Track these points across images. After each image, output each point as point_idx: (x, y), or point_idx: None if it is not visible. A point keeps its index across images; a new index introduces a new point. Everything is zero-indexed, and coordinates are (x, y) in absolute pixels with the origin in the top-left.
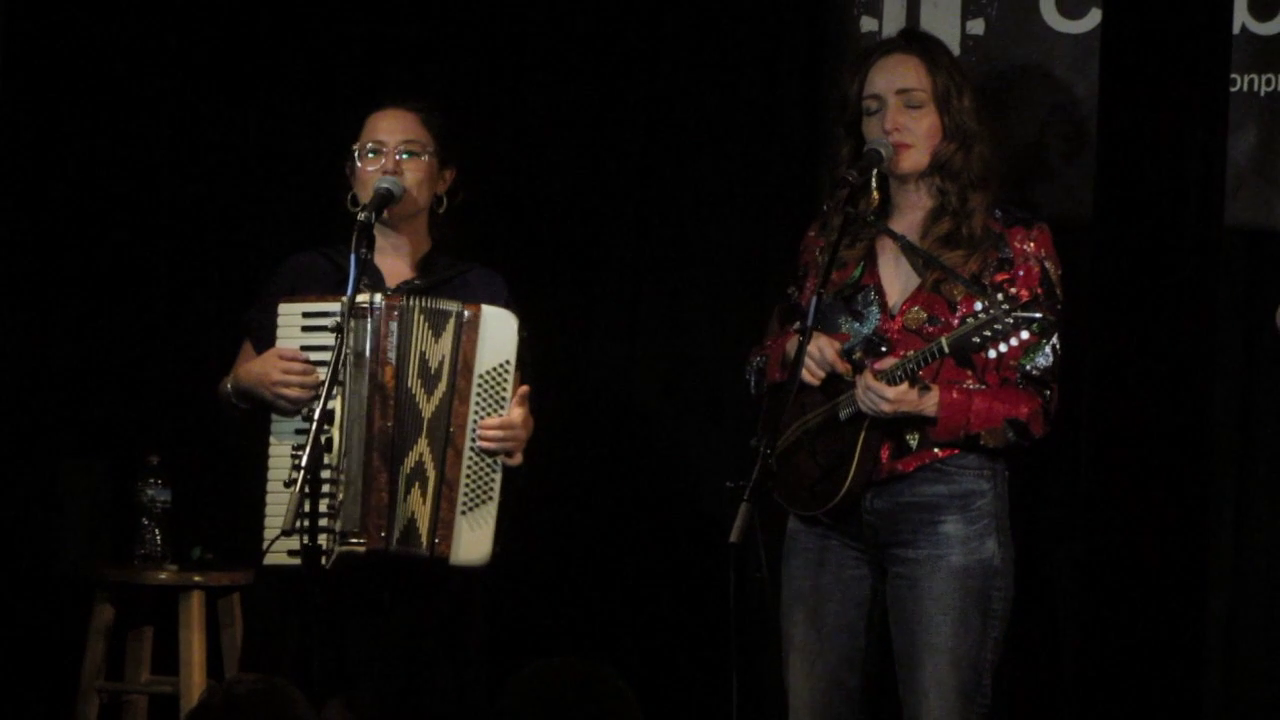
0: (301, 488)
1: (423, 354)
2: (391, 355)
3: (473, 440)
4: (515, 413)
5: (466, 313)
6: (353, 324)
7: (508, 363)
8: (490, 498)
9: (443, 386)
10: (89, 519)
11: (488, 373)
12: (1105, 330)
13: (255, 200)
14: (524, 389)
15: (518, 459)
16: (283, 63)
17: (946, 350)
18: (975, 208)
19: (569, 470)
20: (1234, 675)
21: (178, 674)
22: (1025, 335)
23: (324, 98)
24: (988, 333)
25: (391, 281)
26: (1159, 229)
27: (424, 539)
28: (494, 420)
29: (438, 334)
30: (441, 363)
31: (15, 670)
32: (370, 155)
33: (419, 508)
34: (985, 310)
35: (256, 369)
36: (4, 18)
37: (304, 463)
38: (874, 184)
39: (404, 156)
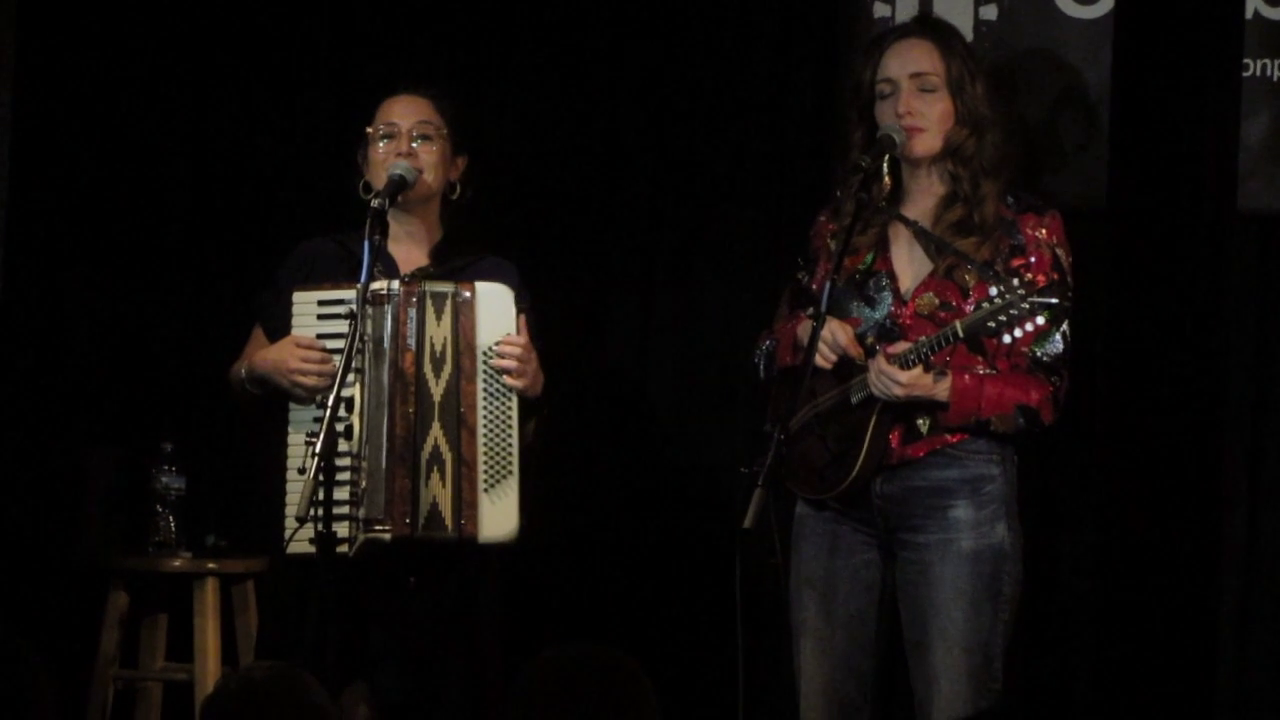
0: (315, 475)
1: (430, 338)
2: (411, 342)
3: (484, 417)
4: (521, 336)
5: (462, 291)
6: (370, 311)
7: (509, 336)
8: (510, 472)
9: (449, 368)
10: (103, 507)
11: (490, 349)
12: (1119, 315)
13: (269, 186)
14: (522, 318)
15: (523, 383)
16: (297, 49)
17: (961, 335)
18: (987, 194)
19: (582, 456)
20: (1247, 658)
21: (192, 661)
22: (1040, 321)
23: (338, 84)
24: (1003, 318)
25: (405, 269)
26: (1172, 214)
27: (448, 521)
28: (505, 339)
29: (438, 316)
30: (445, 345)
31: None
32: (384, 139)
33: (440, 491)
34: (1001, 295)
35: (273, 356)
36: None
37: (318, 450)
38: (886, 170)
39: (418, 140)
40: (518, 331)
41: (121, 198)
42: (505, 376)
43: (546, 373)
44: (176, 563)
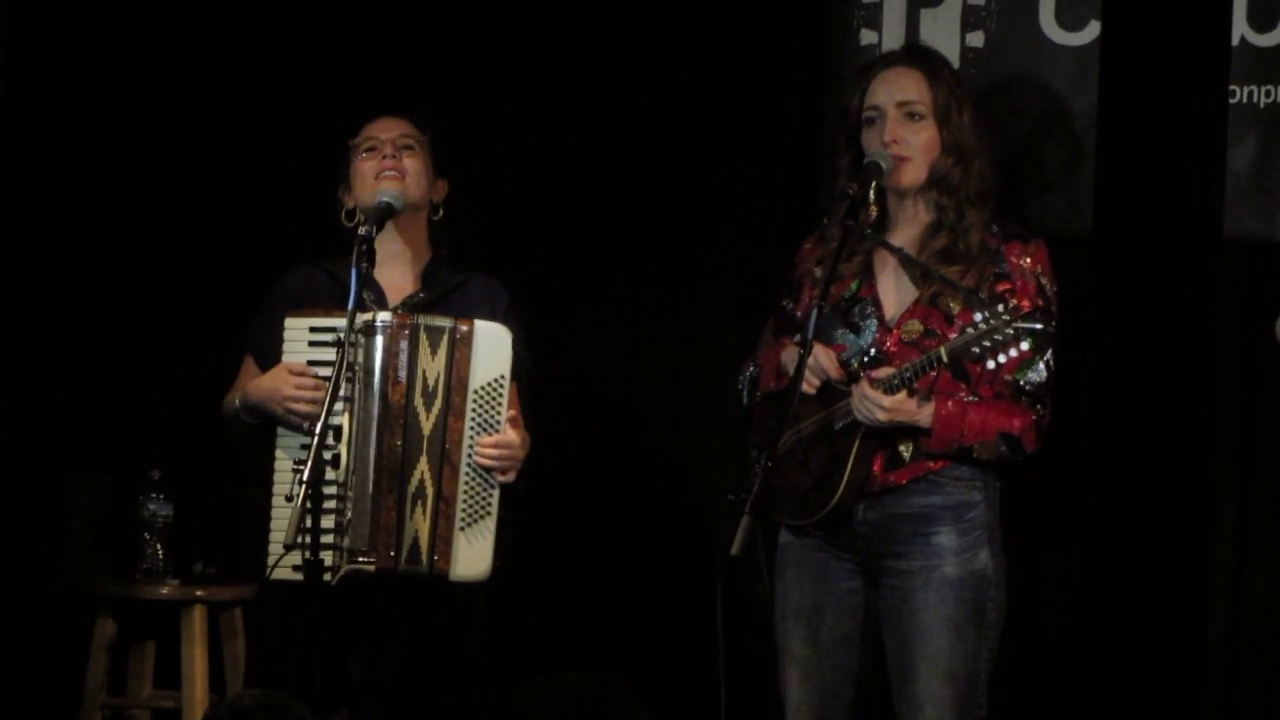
0: (303, 503)
1: (423, 371)
2: (403, 374)
3: (469, 456)
4: (510, 433)
5: (460, 329)
6: (361, 340)
7: (502, 378)
8: (488, 513)
9: (439, 403)
10: (91, 534)
11: (482, 388)
12: (1106, 342)
13: (256, 214)
14: (513, 413)
15: (511, 477)
16: (283, 77)
17: (945, 360)
18: (973, 223)
19: (569, 481)
20: (1236, 686)
21: (180, 689)
22: (1025, 346)
23: (323, 111)
24: (987, 343)
25: (392, 295)
26: (1159, 240)
27: (424, 556)
28: (490, 439)
29: (433, 350)
30: (437, 379)
31: (18, 685)
32: (367, 152)
33: (421, 525)
34: (985, 320)
35: (267, 384)
36: (5, 32)
37: (305, 477)
38: (872, 197)
39: (401, 151)
40: (510, 369)
41: (107, 223)
42: (495, 474)
43: (532, 395)
44: (164, 590)
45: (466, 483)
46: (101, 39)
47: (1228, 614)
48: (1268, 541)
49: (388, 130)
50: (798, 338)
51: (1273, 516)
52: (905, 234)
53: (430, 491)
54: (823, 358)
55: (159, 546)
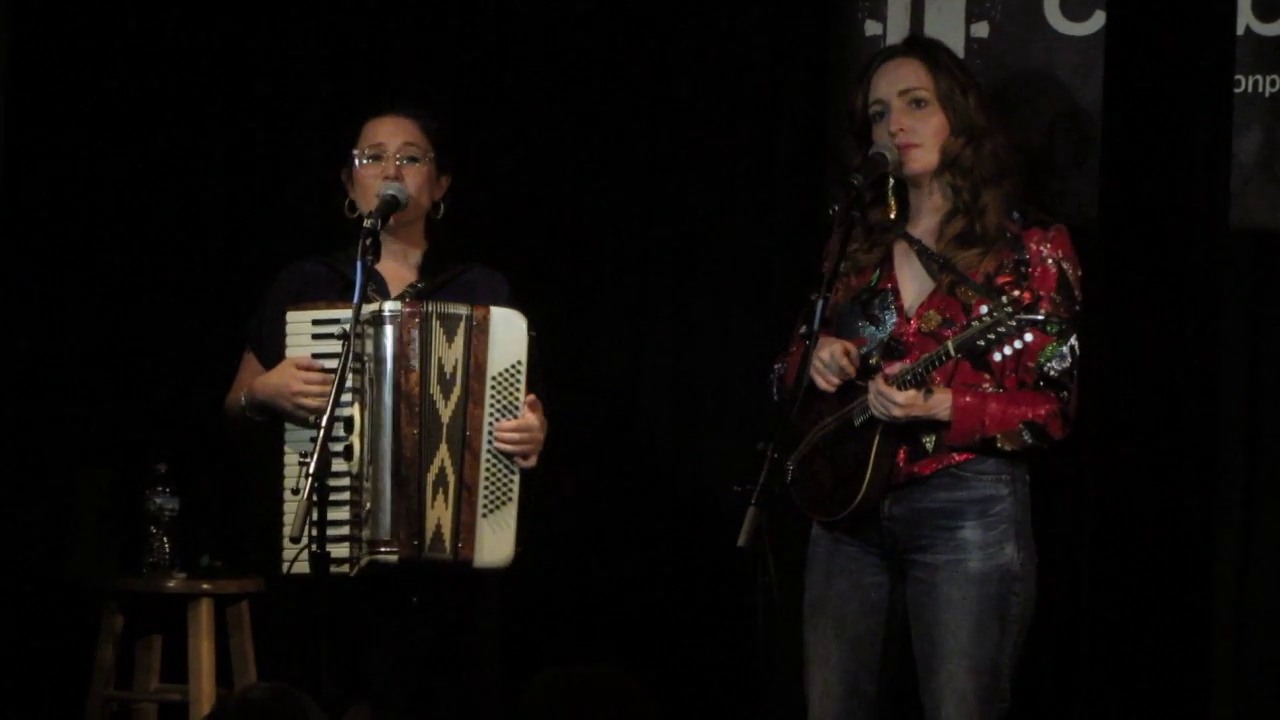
0: (309, 496)
1: (440, 359)
2: (415, 362)
3: (489, 442)
4: (530, 416)
5: (476, 315)
6: (370, 331)
7: (519, 363)
8: (510, 499)
9: (457, 390)
10: (98, 528)
11: (500, 374)
12: (1111, 332)
13: (259, 208)
14: (531, 397)
15: (532, 461)
16: (283, 71)
17: (953, 353)
18: (988, 204)
19: (576, 474)
20: (1242, 672)
21: (187, 682)
22: (1029, 337)
23: (325, 105)
24: (992, 335)
25: (394, 286)
26: (1164, 230)
27: (447, 543)
28: (511, 423)
29: (450, 338)
30: (455, 366)
31: (25, 678)
32: (371, 161)
33: (443, 513)
34: (990, 313)
35: (274, 380)
36: (9, 31)
37: (311, 470)
38: (890, 195)
39: (404, 162)
40: (527, 354)
41: (112, 219)
42: (519, 459)
43: (541, 386)
44: (171, 583)
45: (488, 469)
46: (101, 39)
47: (1232, 611)
48: (1273, 530)
49: (392, 137)
50: (803, 330)
51: (1278, 505)
52: (925, 223)
53: (452, 479)
54: (839, 355)
55: (165, 540)
